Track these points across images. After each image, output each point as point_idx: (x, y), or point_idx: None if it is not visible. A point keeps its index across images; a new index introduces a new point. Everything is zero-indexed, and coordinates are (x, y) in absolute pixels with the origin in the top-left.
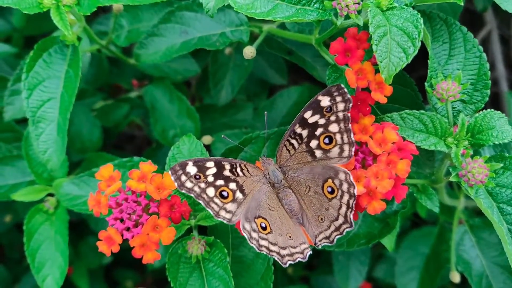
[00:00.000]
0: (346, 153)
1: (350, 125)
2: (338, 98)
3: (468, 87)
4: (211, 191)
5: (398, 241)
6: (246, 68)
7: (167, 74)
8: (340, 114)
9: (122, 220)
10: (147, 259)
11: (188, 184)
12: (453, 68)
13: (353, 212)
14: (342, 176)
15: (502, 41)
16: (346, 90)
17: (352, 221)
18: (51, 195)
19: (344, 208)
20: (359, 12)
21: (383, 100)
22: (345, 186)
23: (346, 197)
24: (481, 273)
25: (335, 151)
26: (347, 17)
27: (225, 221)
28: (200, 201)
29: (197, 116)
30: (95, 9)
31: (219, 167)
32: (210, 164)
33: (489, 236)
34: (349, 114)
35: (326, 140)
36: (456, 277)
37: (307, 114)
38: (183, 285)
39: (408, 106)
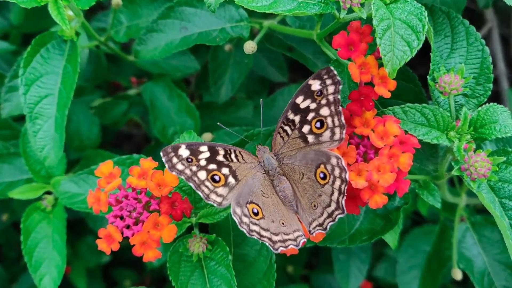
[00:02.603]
0: (337, 136)
1: (340, 107)
2: (328, 81)
3: (471, 81)
4: (202, 174)
5: (399, 240)
6: (246, 65)
7: (166, 71)
8: (331, 97)
9: (122, 218)
10: (147, 257)
11: (179, 167)
12: (455, 61)
13: (345, 197)
14: (333, 161)
15: (503, 40)
16: (335, 72)
17: (344, 207)
18: (48, 193)
19: (336, 194)
20: (362, 5)
21: (387, 94)
22: (337, 171)
23: (338, 182)
24: (483, 271)
25: (327, 134)
26: (350, 10)
27: (215, 204)
28: (191, 184)
29: (197, 114)
30: (94, 3)
31: (213, 152)
32: (203, 148)
33: (491, 233)
34: (339, 96)
35: (318, 124)
36: (458, 275)
37: (299, 100)
38: (185, 284)
39: (412, 102)
